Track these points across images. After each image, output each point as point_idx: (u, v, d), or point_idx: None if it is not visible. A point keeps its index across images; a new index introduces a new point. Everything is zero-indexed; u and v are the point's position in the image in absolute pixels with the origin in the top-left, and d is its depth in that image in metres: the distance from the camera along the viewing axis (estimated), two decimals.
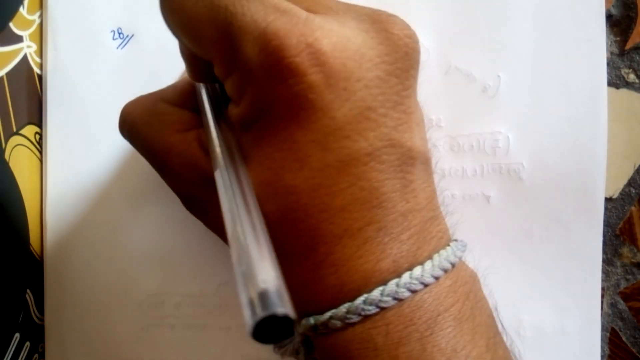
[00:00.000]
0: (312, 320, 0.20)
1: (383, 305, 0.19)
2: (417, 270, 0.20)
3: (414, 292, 0.19)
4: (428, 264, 0.20)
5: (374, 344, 0.19)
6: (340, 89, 0.19)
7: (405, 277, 0.19)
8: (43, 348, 0.32)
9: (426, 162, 0.22)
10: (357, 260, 0.20)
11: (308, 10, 0.20)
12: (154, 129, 0.23)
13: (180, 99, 0.25)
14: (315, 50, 0.18)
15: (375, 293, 0.19)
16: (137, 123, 0.24)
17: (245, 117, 0.20)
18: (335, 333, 0.20)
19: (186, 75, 0.26)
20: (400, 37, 0.20)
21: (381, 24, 0.20)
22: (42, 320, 0.32)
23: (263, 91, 0.19)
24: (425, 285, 0.20)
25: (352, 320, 0.19)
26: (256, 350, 0.32)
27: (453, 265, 0.21)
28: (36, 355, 0.32)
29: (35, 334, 0.32)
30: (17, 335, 0.30)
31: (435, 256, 0.20)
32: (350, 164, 0.19)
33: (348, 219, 0.19)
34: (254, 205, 0.18)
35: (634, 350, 0.32)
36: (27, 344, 0.31)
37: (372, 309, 0.19)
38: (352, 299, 0.19)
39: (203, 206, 0.23)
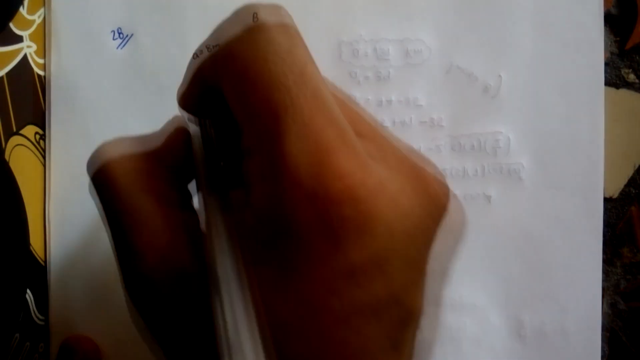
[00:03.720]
0: None
1: None
2: None
3: None
4: None
5: None
6: (367, 232, 0.17)
7: None
8: (43, 348, 0.32)
9: (419, 318, 0.19)
10: None
11: (354, 130, 0.18)
12: (135, 190, 0.19)
13: (168, 156, 0.21)
14: (359, 184, 0.17)
15: None
16: (116, 175, 0.19)
17: (253, 211, 0.18)
18: None
19: (170, 124, 0.22)
20: (436, 191, 0.18)
21: (419, 171, 0.18)
22: (43, 320, 0.32)
23: (287, 198, 0.17)
24: None
25: None
26: None
27: None
28: (36, 355, 0.32)
29: (36, 334, 0.32)
30: (17, 335, 0.30)
31: None
32: (353, 316, 0.17)
33: None
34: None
35: (633, 350, 0.32)
36: (27, 344, 0.31)
37: None
38: None
39: (158, 304, 0.19)
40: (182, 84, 0.21)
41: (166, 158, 0.20)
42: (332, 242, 0.17)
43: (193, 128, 0.21)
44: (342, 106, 0.19)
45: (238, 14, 0.19)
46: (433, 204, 0.18)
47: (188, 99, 0.21)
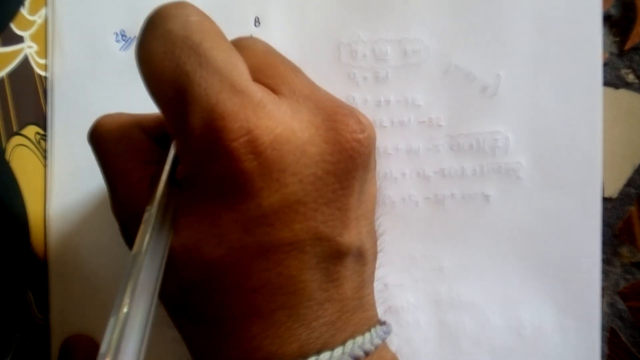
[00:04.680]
0: None
1: None
2: (325, 355, 0.20)
3: None
4: (338, 350, 0.20)
5: None
6: (273, 179, 0.19)
7: None
8: (44, 347, 0.32)
9: (360, 254, 0.22)
10: (263, 341, 0.20)
11: (272, 88, 0.21)
12: (118, 149, 0.24)
13: (156, 130, 0.25)
14: (254, 138, 0.19)
15: None
16: (106, 137, 0.24)
17: (182, 177, 0.21)
18: None
19: None
20: (347, 140, 0.20)
21: (334, 123, 0.20)
22: (43, 320, 0.32)
23: (197, 163, 0.20)
24: None
25: None
26: None
27: (366, 353, 0.21)
28: (36, 355, 0.32)
29: (36, 334, 0.32)
30: (18, 334, 0.30)
31: (349, 343, 0.21)
32: (270, 250, 0.20)
33: (259, 300, 0.20)
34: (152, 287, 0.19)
35: (633, 349, 0.32)
36: (28, 343, 0.31)
37: None
38: None
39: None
40: None
41: (152, 131, 0.25)
42: (240, 193, 0.19)
43: None
44: (266, 69, 0.22)
45: (144, 21, 0.22)
46: (345, 152, 0.20)
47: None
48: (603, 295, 0.32)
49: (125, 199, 0.23)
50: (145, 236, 0.20)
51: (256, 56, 0.22)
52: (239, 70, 0.20)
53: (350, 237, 0.21)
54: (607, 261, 0.32)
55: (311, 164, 0.20)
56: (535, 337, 0.31)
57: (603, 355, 0.32)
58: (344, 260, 0.21)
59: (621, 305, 0.32)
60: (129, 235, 0.23)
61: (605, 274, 0.32)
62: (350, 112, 0.21)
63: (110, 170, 0.24)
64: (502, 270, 0.32)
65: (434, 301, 0.32)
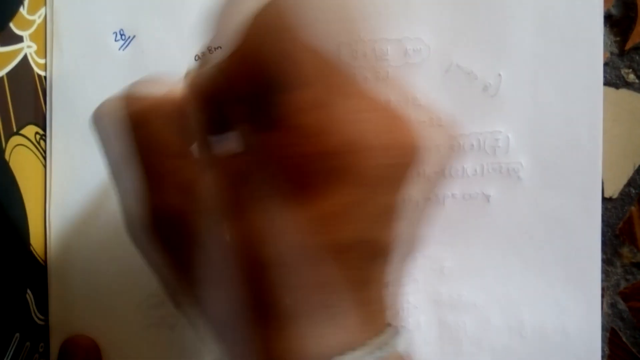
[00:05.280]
0: None
1: None
2: (358, 353, 0.20)
3: None
4: (368, 349, 0.20)
5: None
6: (337, 182, 0.19)
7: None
8: (43, 348, 0.32)
9: (391, 255, 0.22)
10: (302, 340, 0.20)
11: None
12: (148, 134, 0.21)
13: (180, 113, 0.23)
14: (326, 144, 0.19)
15: None
16: (133, 120, 0.21)
17: (243, 164, 0.20)
18: None
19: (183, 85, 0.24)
20: (407, 145, 0.20)
21: (394, 126, 0.20)
22: (43, 320, 0.32)
23: (273, 152, 0.19)
24: None
25: None
26: None
27: (389, 351, 0.21)
28: (36, 355, 0.32)
29: (36, 334, 0.32)
30: (17, 335, 0.30)
31: (375, 341, 0.21)
32: (323, 250, 0.20)
33: (304, 298, 0.20)
34: None
35: (633, 350, 0.32)
36: (28, 344, 0.31)
37: None
38: None
39: (175, 242, 0.22)
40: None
41: (183, 106, 0.22)
42: (303, 194, 0.19)
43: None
44: (333, 70, 0.21)
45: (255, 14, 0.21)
46: (402, 156, 0.20)
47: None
48: (603, 296, 0.32)
49: (163, 197, 0.21)
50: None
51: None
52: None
53: (389, 239, 0.21)
54: (607, 261, 0.32)
55: (371, 168, 0.20)
56: (536, 338, 0.31)
57: (603, 356, 0.32)
58: (380, 261, 0.21)
59: (622, 305, 0.32)
60: (175, 239, 0.21)
61: (606, 274, 0.32)
62: (404, 115, 0.21)
63: (143, 158, 0.21)
64: (502, 271, 0.32)
65: (435, 302, 0.32)
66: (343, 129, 0.19)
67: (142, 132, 0.21)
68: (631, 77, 0.32)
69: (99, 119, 0.22)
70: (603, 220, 0.31)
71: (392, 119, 0.21)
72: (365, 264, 0.21)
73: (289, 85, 0.19)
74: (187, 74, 0.24)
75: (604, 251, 0.31)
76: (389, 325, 0.23)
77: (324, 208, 0.19)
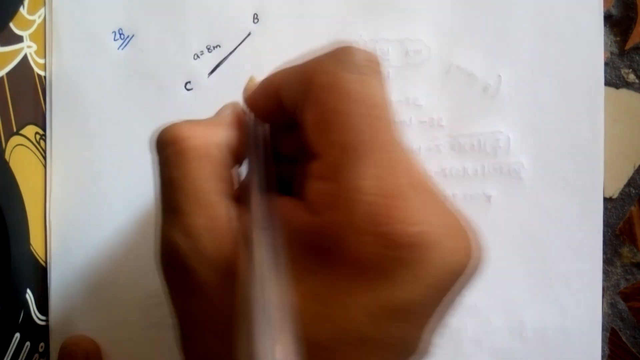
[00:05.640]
0: None
1: None
2: None
3: None
4: None
5: None
6: (416, 277, 0.18)
7: None
8: (43, 348, 0.32)
9: (417, 354, 0.20)
10: None
11: None
12: (203, 175, 0.20)
13: (236, 150, 0.22)
14: (425, 233, 0.17)
15: None
16: (189, 155, 0.20)
17: (308, 229, 0.19)
18: None
19: (232, 113, 0.23)
20: (476, 259, 0.19)
21: (465, 233, 0.19)
22: (43, 320, 0.32)
23: (351, 230, 0.18)
24: None
25: None
26: None
27: None
28: (36, 355, 0.32)
29: (36, 334, 0.32)
30: (17, 335, 0.30)
31: None
32: (375, 345, 0.18)
33: None
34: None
35: (633, 350, 0.32)
36: (27, 343, 0.31)
37: None
38: None
39: (192, 283, 0.19)
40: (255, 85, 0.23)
41: (236, 152, 0.21)
42: (382, 278, 0.17)
43: (251, 126, 0.22)
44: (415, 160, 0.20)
45: (335, 49, 0.20)
46: (470, 266, 0.19)
47: (257, 101, 0.22)
48: (604, 296, 0.32)
49: (203, 235, 0.19)
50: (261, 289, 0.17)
51: None
52: (411, 157, 0.19)
53: (424, 342, 0.19)
54: (607, 261, 0.32)
55: (447, 272, 0.18)
56: (536, 339, 0.32)
57: (603, 356, 0.32)
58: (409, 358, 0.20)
59: (622, 305, 0.32)
60: (189, 274, 0.19)
61: (606, 274, 0.32)
62: (471, 225, 0.20)
63: (188, 196, 0.20)
64: (503, 271, 0.32)
65: None
66: (420, 221, 0.18)
67: (195, 166, 0.20)
68: (631, 77, 0.32)
69: (168, 144, 0.21)
70: (603, 220, 0.31)
71: (462, 228, 0.19)
72: (397, 358, 0.19)
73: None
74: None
75: (604, 251, 0.31)
76: None
77: (395, 300, 0.18)
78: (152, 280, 0.32)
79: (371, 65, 0.19)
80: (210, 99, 0.32)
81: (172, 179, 0.20)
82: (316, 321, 0.18)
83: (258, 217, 0.19)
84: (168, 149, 0.20)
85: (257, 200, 0.20)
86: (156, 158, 0.21)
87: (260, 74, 0.32)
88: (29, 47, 0.31)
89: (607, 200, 0.32)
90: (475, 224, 0.20)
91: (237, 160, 0.22)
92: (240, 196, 0.21)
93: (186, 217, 0.19)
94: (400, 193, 0.18)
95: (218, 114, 0.23)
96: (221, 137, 0.21)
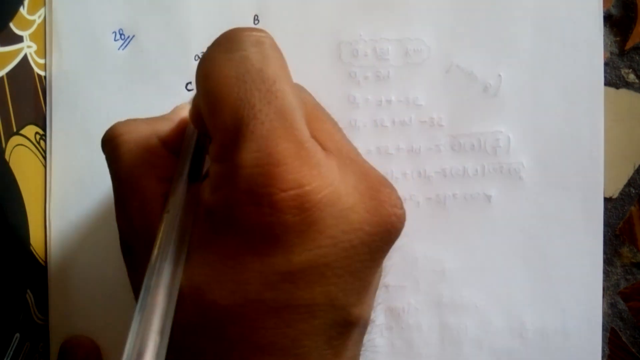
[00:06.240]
0: None
1: None
2: None
3: None
4: None
5: None
6: (309, 238, 0.18)
7: None
8: (43, 348, 0.32)
9: (365, 327, 0.22)
10: None
11: (320, 143, 0.20)
12: (135, 162, 0.23)
13: (173, 141, 0.24)
14: (304, 194, 0.18)
15: None
16: (122, 148, 0.23)
17: (209, 208, 0.20)
18: None
19: (181, 110, 0.26)
20: (389, 214, 0.20)
21: (377, 193, 0.20)
22: (43, 320, 0.32)
23: (237, 203, 0.19)
24: None
25: None
26: None
27: None
28: (36, 355, 0.32)
29: (36, 334, 0.32)
30: (17, 335, 0.30)
31: None
32: (284, 309, 0.19)
33: (259, 358, 0.19)
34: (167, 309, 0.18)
35: (633, 350, 0.32)
36: (28, 344, 0.31)
37: None
38: None
39: (135, 261, 0.22)
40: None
41: (170, 143, 0.24)
42: (272, 244, 0.18)
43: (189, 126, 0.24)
44: (315, 121, 0.21)
45: (217, 37, 0.21)
46: (383, 226, 0.20)
47: (191, 116, 0.23)
48: (604, 296, 0.32)
49: (136, 216, 0.22)
50: (157, 266, 0.19)
51: (306, 106, 0.21)
52: (302, 121, 0.20)
53: (362, 309, 0.20)
54: (607, 261, 0.32)
55: (349, 230, 0.19)
56: (537, 339, 0.32)
57: (603, 356, 0.32)
58: (351, 331, 0.20)
59: (622, 305, 0.32)
60: (132, 255, 0.22)
61: (606, 274, 0.32)
62: (391, 186, 0.21)
63: (124, 183, 0.22)
64: (504, 272, 0.32)
65: (436, 303, 0.32)
66: (323, 184, 0.19)
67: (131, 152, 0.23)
68: (631, 77, 0.32)
69: (107, 141, 0.24)
70: (603, 220, 0.31)
71: (374, 186, 0.20)
72: (335, 330, 0.20)
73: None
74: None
75: (604, 251, 0.31)
76: None
77: (293, 263, 0.18)
78: None
79: (254, 40, 0.20)
80: None
81: (112, 171, 0.23)
82: (215, 288, 0.19)
83: (169, 201, 0.21)
84: (106, 146, 0.24)
85: (174, 186, 0.21)
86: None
87: None
88: (29, 47, 0.31)
89: (607, 200, 0.32)
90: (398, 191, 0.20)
91: (173, 151, 0.24)
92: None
93: (123, 203, 0.22)
94: (278, 160, 0.18)
95: (172, 111, 0.27)
96: (155, 129, 0.24)
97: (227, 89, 0.19)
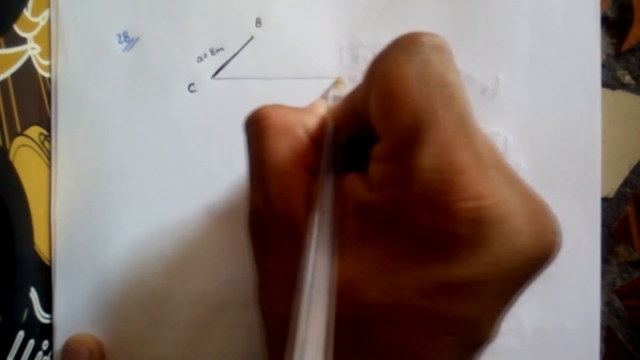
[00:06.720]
0: None
1: None
2: None
3: None
4: None
5: None
6: (475, 254, 0.18)
7: None
8: (47, 346, 0.32)
9: (485, 347, 0.20)
10: None
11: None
12: (283, 147, 0.22)
13: (316, 133, 0.24)
14: (483, 208, 0.17)
15: None
16: (269, 131, 0.23)
17: (367, 205, 0.19)
18: None
19: (320, 106, 0.26)
20: (551, 242, 0.19)
21: (539, 216, 0.19)
22: (47, 318, 0.32)
23: (408, 205, 0.18)
24: None
25: None
26: (258, 348, 0.32)
27: None
28: (40, 353, 0.32)
29: (40, 332, 0.32)
30: (22, 333, 0.30)
31: None
32: (434, 321, 0.18)
33: None
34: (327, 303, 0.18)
35: (629, 347, 0.32)
36: (32, 341, 0.31)
37: None
38: None
39: (268, 243, 0.22)
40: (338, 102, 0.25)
41: (312, 136, 0.23)
42: (438, 252, 0.18)
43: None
44: (483, 137, 0.20)
45: (396, 39, 0.21)
46: (544, 252, 0.19)
47: (338, 117, 0.24)
48: (600, 294, 0.32)
49: (277, 200, 0.21)
50: (316, 260, 0.18)
51: None
52: (478, 133, 0.19)
53: (493, 333, 0.19)
54: (604, 260, 0.32)
55: (513, 252, 0.18)
56: (535, 338, 0.31)
57: (600, 353, 0.32)
58: (480, 349, 0.20)
59: (618, 303, 0.32)
60: (267, 234, 0.22)
61: (602, 272, 0.32)
62: (552, 212, 0.20)
63: (268, 165, 0.22)
64: None
65: None
66: (500, 200, 0.18)
67: (279, 139, 0.23)
68: (627, 78, 0.32)
69: (255, 121, 0.23)
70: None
71: (539, 210, 0.19)
72: (465, 349, 0.19)
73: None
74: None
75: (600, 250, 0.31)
76: None
77: (454, 275, 0.18)
78: (155, 279, 0.32)
79: (435, 45, 0.20)
80: (213, 100, 0.32)
81: (254, 151, 0.23)
82: (369, 287, 0.18)
83: (321, 194, 0.21)
84: (252, 126, 0.23)
85: (322, 179, 0.21)
86: (245, 136, 0.24)
87: (261, 75, 0.32)
88: (32, 48, 0.31)
89: (603, 200, 0.32)
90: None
91: (315, 144, 0.23)
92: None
93: (264, 185, 0.22)
94: (460, 168, 0.18)
95: (311, 105, 0.27)
96: (302, 120, 0.24)
97: (408, 90, 0.19)
